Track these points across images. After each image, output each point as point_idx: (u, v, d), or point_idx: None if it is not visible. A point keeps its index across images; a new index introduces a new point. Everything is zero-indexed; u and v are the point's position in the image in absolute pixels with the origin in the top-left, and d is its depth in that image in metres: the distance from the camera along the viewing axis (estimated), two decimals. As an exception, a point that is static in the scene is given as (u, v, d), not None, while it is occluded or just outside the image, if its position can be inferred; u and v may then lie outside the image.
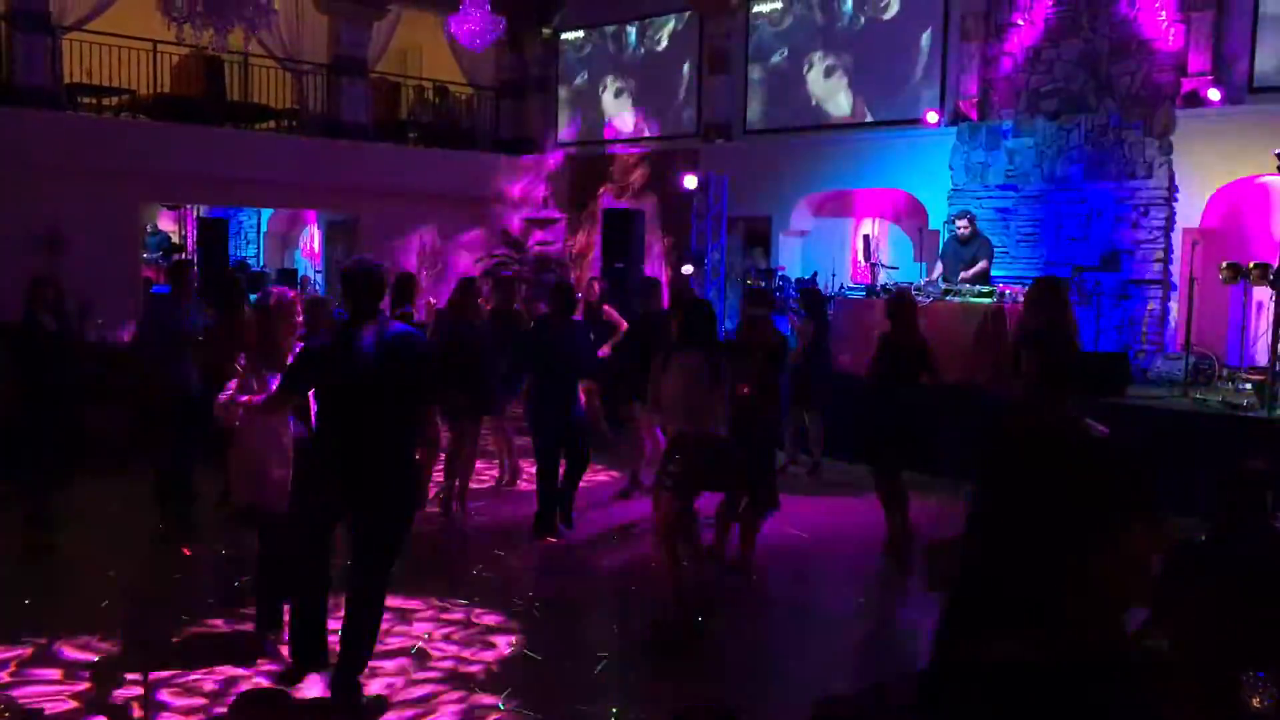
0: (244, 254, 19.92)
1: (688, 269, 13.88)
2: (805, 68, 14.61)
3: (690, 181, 14.20)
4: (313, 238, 19.76)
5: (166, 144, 13.78)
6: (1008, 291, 10.58)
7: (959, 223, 11.04)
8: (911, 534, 7.13)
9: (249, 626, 5.42)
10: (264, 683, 4.88)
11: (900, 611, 6.43)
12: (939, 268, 11.32)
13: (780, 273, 13.08)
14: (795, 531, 7.69)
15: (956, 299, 10.42)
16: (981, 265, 10.82)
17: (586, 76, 17.34)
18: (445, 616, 5.88)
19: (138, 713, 4.53)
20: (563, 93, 17.68)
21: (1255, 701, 3.19)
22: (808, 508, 8.27)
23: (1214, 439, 8.07)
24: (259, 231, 20.22)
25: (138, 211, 14.63)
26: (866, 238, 12.91)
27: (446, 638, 5.58)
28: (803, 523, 7.89)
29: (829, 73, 14.39)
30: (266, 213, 19.70)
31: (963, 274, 10.98)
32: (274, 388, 5.03)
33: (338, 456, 4.68)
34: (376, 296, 4.76)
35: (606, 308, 9.33)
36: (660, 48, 16.31)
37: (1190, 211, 11.13)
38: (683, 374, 5.70)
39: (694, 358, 5.69)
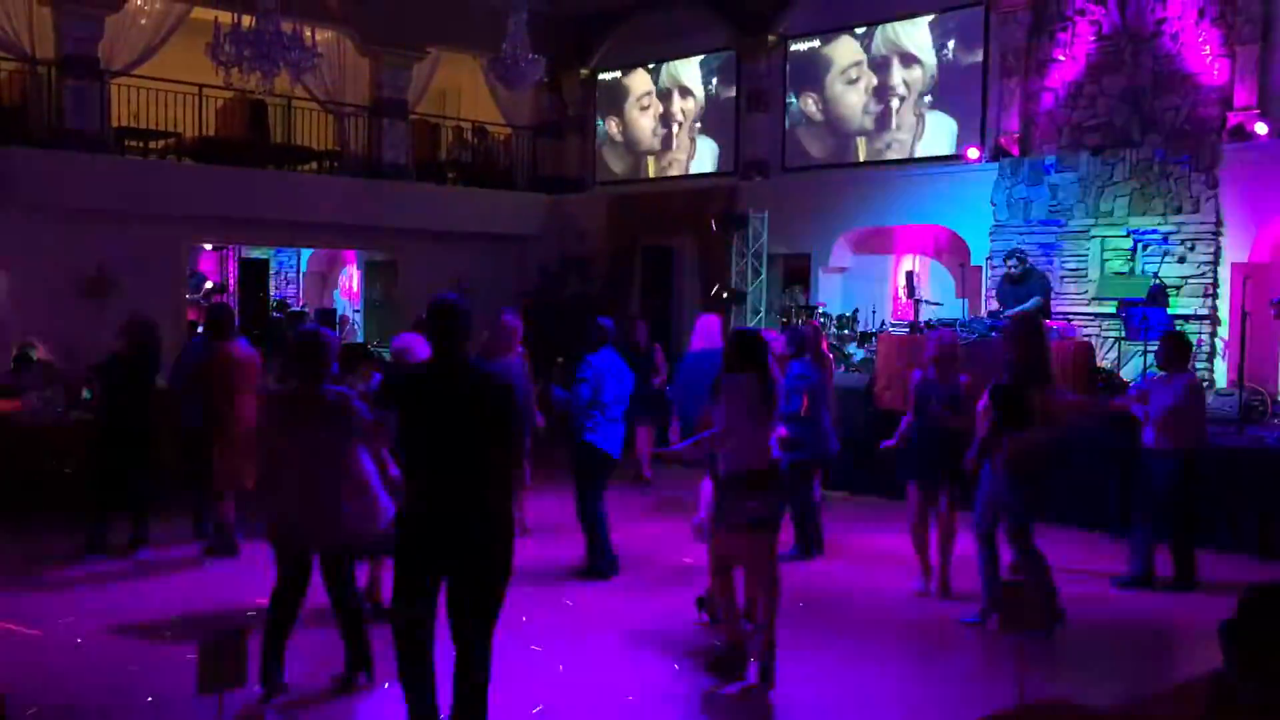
0: (284, 293, 20.11)
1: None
2: (843, 104, 14.62)
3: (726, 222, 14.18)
4: (352, 277, 19.93)
5: (210, 186, 13.97)
6: (1055, 327, 10.47)
7: (1008, 262, 10.94)
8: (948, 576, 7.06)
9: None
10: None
11: (962, 655, 6.28)
12: (994, 307, 11.25)
13: (821, 309, 13.02)
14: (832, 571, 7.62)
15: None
16: (1034, 300, 10.69)
17: (625, 115, 17.43)
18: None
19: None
20: (601, 131, 17.77)
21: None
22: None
23: (1274, 475, 7.93)
24: (299, 271, 20.43)
25: (182, 252, 14.80)
26: (910, 274, 12.83)
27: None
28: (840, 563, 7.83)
29: (867, 108, 14.39)
30: (306, 252, 19.91)
31: (1008, 311, 10.87)
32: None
33: (432, 510, 4.41)
34: (460, 334, 4.49)
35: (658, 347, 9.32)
36: (698, 86, 16.37)
37: (1239, 246, 11.00)
38: (736, 401, 5.57)
39: (750, 382, 5.56)
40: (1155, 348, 8.22)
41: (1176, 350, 7.56)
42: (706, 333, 8.66)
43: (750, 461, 5.52)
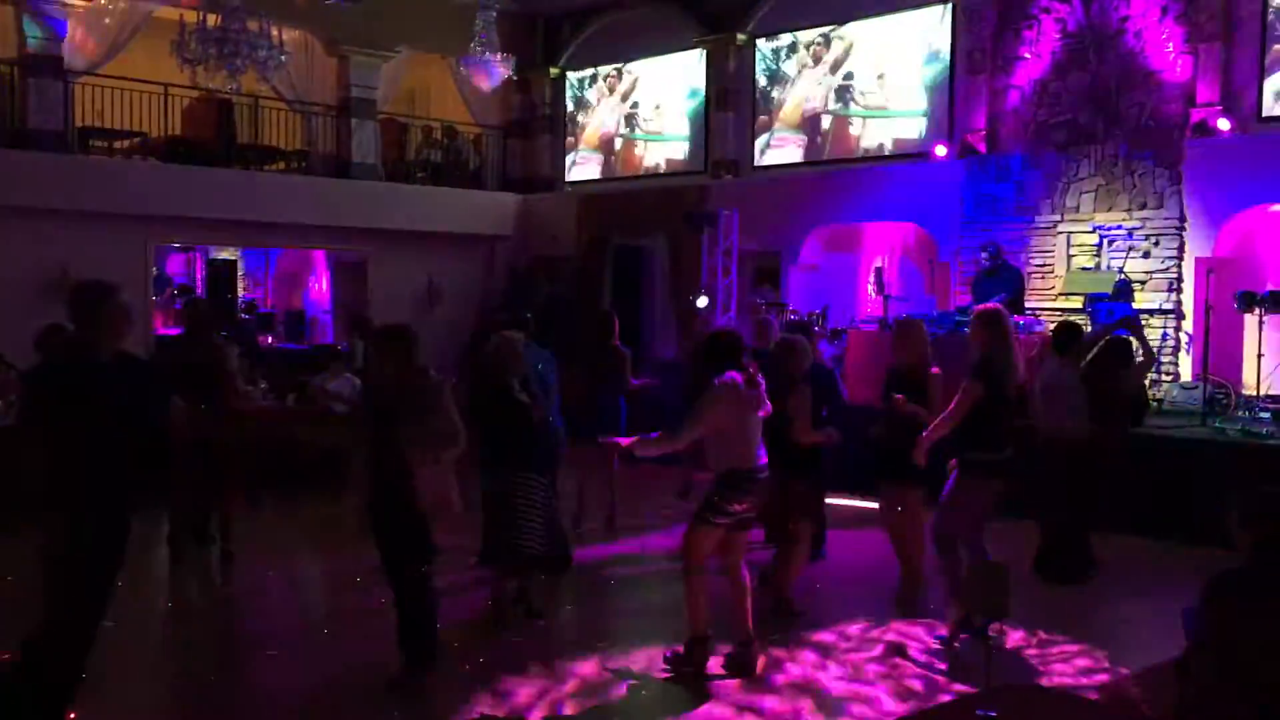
0: (252, 295, 19.94)
1: (703, 301, 13.85)
2: (812, 101, 14.68)
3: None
4: (321, 278, 19.78)
5: (176, 186, 13.82)
6: (1020, 322, 10.53)
7: (983, 254, 11.02)
8: (921, 575, 6.88)
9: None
10: None
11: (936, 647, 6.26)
12: (966, 301, 11.31)
13: (791, 307, 13.05)
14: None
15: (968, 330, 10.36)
16: (999, 297, 10.71)
17: (595, 114, 17.42)
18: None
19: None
20: (571, 131, 17.75)
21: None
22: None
23: (1238, 467, 8.03)
24: (268, 273, 20.25)
25: (148, 253, 14.65)
26: (879, 270, 12.90)
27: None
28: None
29: (834, 106, 14.45)
30: (275, 254, 19.75)
31: (976, 307, 10.94)
32: None
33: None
34: (98, 322, 4.61)
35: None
36: (669, 85, 16.38)
37: (1203, 241, 11.12)
38: (732, 402, 5.51)
39: (736, 382, 5.51)
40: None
41: (1061, 336, 7.76)
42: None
43: (740, 461, 5.51)
